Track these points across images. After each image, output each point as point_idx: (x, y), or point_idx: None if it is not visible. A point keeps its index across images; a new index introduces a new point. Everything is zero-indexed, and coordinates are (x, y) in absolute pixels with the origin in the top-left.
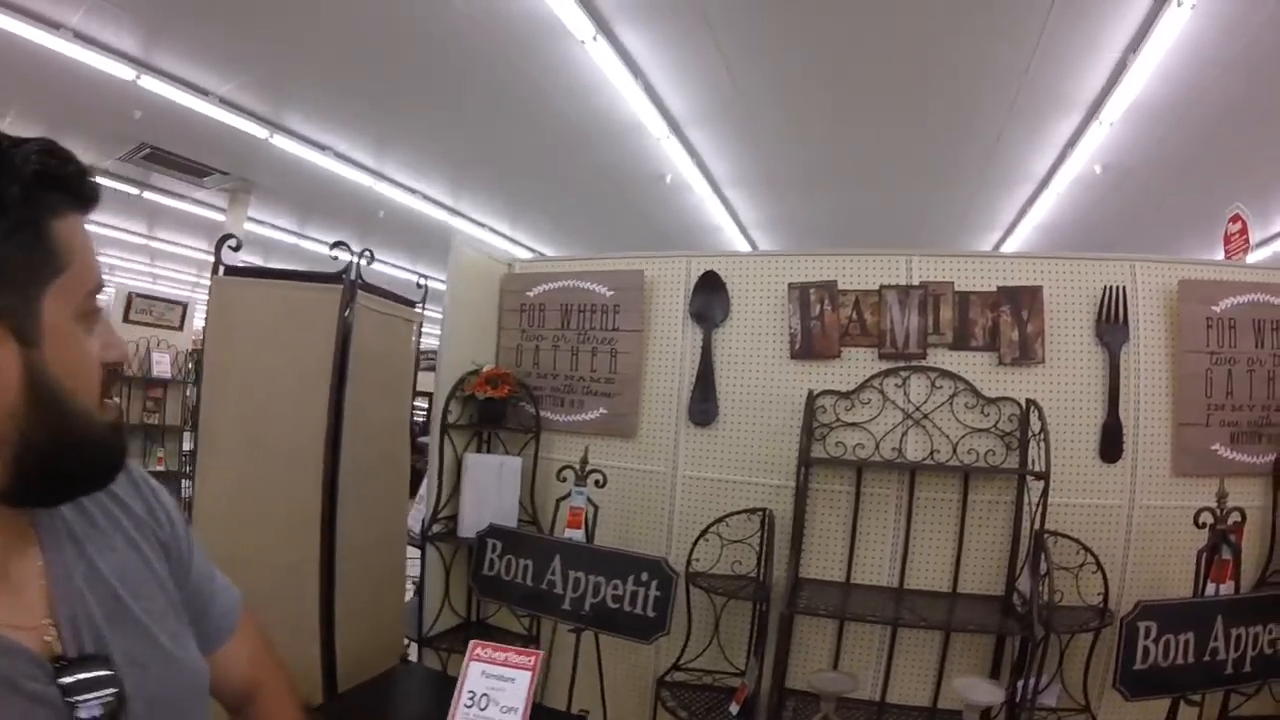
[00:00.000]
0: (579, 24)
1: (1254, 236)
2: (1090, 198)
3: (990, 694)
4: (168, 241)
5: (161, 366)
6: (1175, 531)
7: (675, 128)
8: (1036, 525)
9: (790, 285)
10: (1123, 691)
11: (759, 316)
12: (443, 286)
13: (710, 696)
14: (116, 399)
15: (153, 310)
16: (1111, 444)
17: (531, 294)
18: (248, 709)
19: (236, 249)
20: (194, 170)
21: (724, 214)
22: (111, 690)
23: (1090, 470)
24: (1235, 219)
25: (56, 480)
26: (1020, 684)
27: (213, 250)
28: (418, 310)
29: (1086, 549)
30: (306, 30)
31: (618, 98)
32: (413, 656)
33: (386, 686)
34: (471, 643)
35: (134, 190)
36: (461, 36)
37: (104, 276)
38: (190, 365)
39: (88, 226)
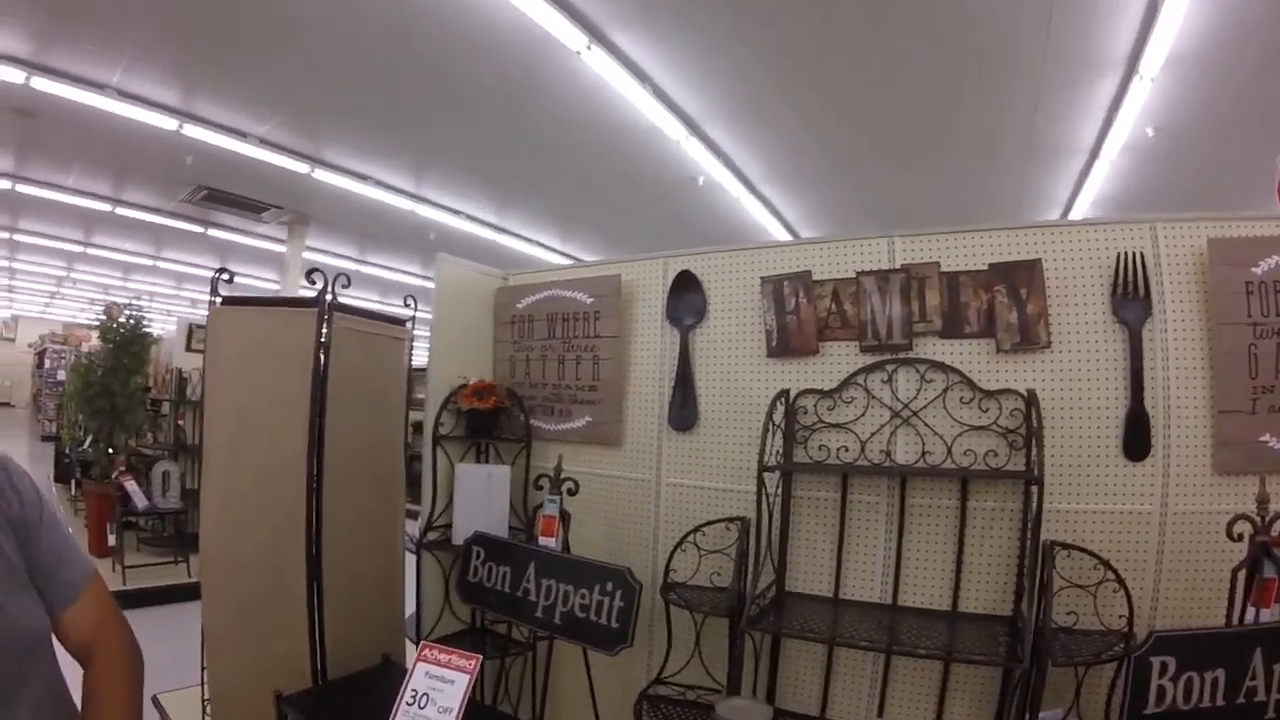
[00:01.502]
0: (571, 36)
1: None
2: (1149, 165)
3: None
4: (240, 274)
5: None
6: (1219, 541)
7: (693, 128)
8: (1034, 536)
9: (763, 279)
10: None
11: (735, 314)
12: None
13: (691, 713)
14: None
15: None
16: (1137, 438)
17: (521, 305)
18: (88, 665)
19: (230, 281)
20: (250, 206)
21: (764, 212)
22: None
23: (1112, 470)
24: None
25: None
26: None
27: (276, 279)
28: (406, 328)
29: (1105, 563)
30: (329, 66)
31: (627, 104)
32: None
33: (362, 683)
34: (421, 643)
35: (199, 229)
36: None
37: (188, 311)
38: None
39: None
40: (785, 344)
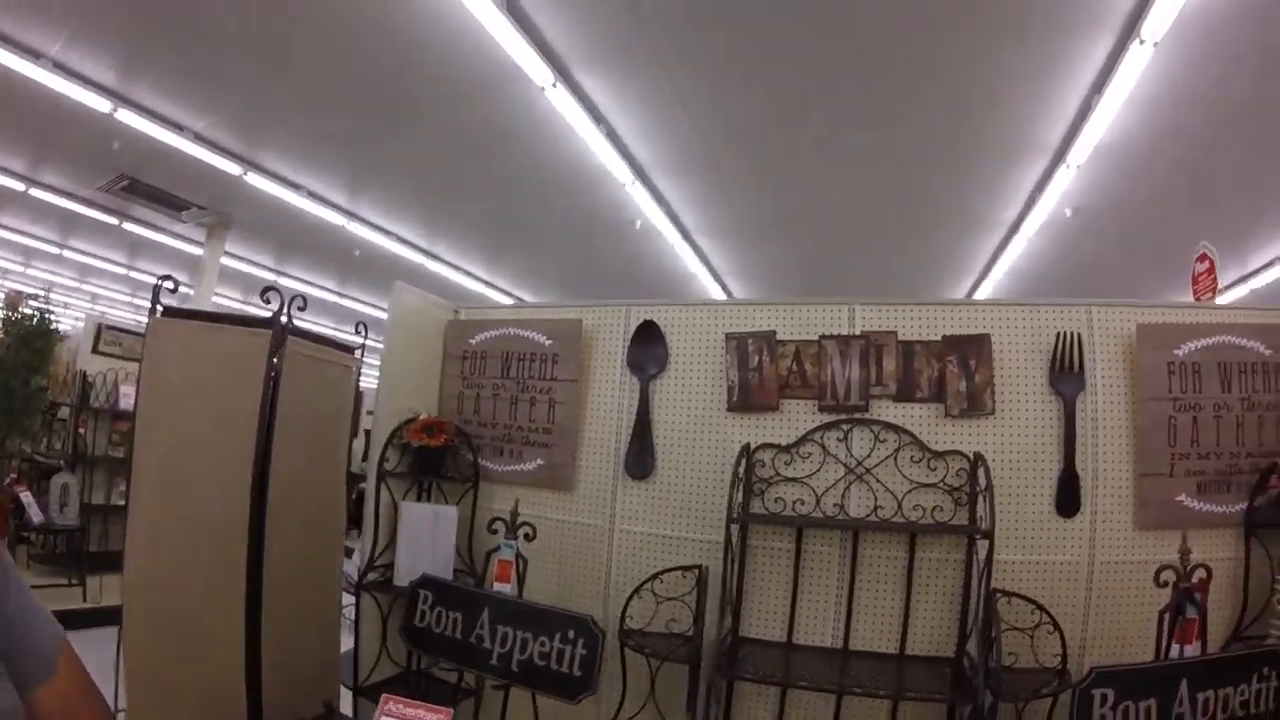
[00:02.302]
0: (539, 71)
1: (1226, 276)
2: (1063, 242)
3: None
4: (147, 273)
5: (128, 399)
6: (1139, 588)
7: (640, 173)
8: (987, 586)
9: (728, 335)
10: None
11: (697, 367)
12: None
13: None
14: None
15: (121, 343)
16: (1068, 497)
17: (474, 341)
18: None
19: (174, 290)
20: (172, 203)
21: (696, 261)
22: None
23: (1046, 525)
24: (1203, 258)
25: None
26: None
27: (189, 283)
28: (355, 355)
29: (1042, 608)
30: (279, 70)
31: (581, 144)
32: (346, 706)
33: None
34: (383, 696)
35: (114, 220)
36: (430, 83)
37: (88, 306)
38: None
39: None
40: (746, 399)
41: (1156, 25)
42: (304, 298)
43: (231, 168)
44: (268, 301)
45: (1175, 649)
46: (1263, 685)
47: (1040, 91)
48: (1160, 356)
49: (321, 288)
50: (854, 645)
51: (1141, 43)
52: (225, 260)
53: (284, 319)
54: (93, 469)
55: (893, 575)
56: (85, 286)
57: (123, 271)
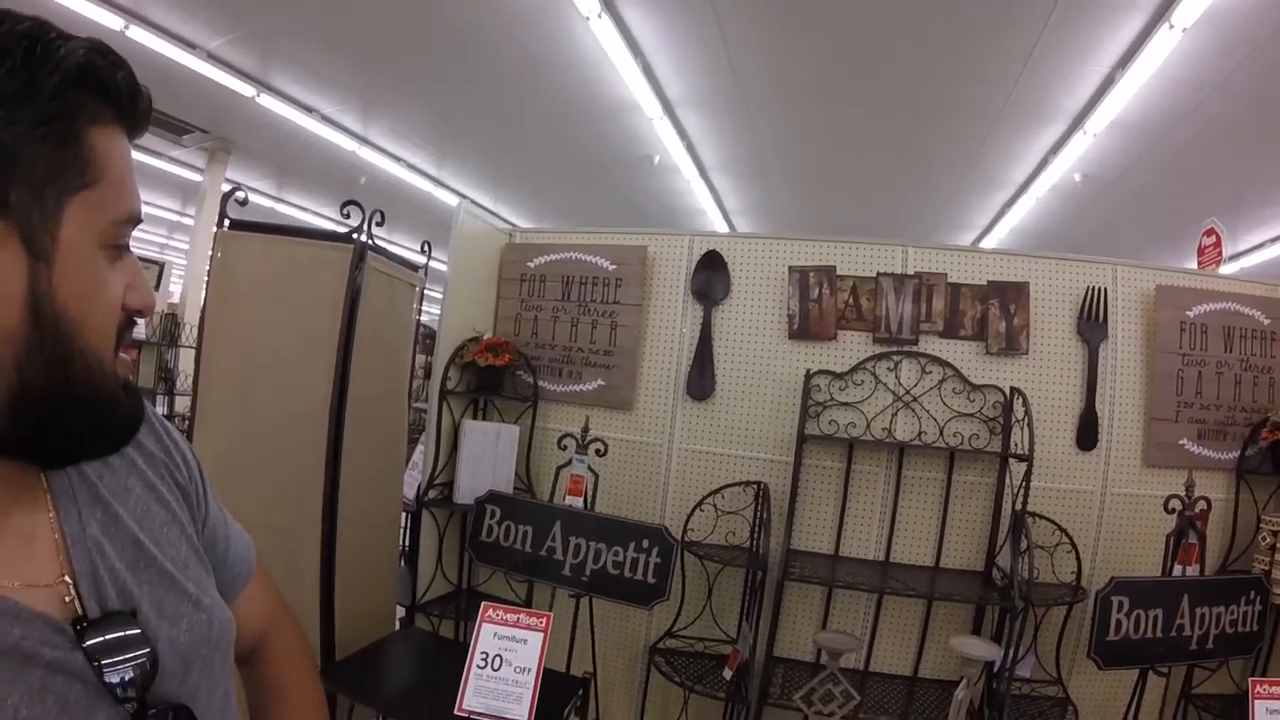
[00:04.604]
0: (585, 1)
1: (1225, 251)
2: (1068, 206)
3: (985, 650)
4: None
5: (138, 328)
6: (1143, 518)
7: (669, 109)
8: (1018, 505)
9: (791, 268)
10: (1097, 660)
11: (759, 297)
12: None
13: (702, 663)
14: (133, 355)
15: None
16: (1088, 433)
17: (533, 264)
18: (255, 658)
19: (244, 203)
20: (174, 127)
21: (709, 199)
22: (143, 650)
23: (1067, 457)
24: (1210, 232)
25: (56, 435)
26: (999, 655)
27: (185, 211)
28: (420, 275)
29: (1062, 530)
30: None
31: (614, 75)
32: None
33: (386, 649)
34: (483, 604)
35: None
36: (469, 7)
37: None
38: (168, 327)
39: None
40: (806, 328)
41: (1188, 13)
42: (382, 213)
43: (244, 88)
44: (347, 216)
45: (1178, 569)
46: (1249, 608)
47: (1067, 63)
48: (1174, 315)
49: (320, 215)
50: (894, 558)
51: (1171, 27)
52: (224, 186)
53: (363, 237)
54: None
55: (932, 496)
56: None
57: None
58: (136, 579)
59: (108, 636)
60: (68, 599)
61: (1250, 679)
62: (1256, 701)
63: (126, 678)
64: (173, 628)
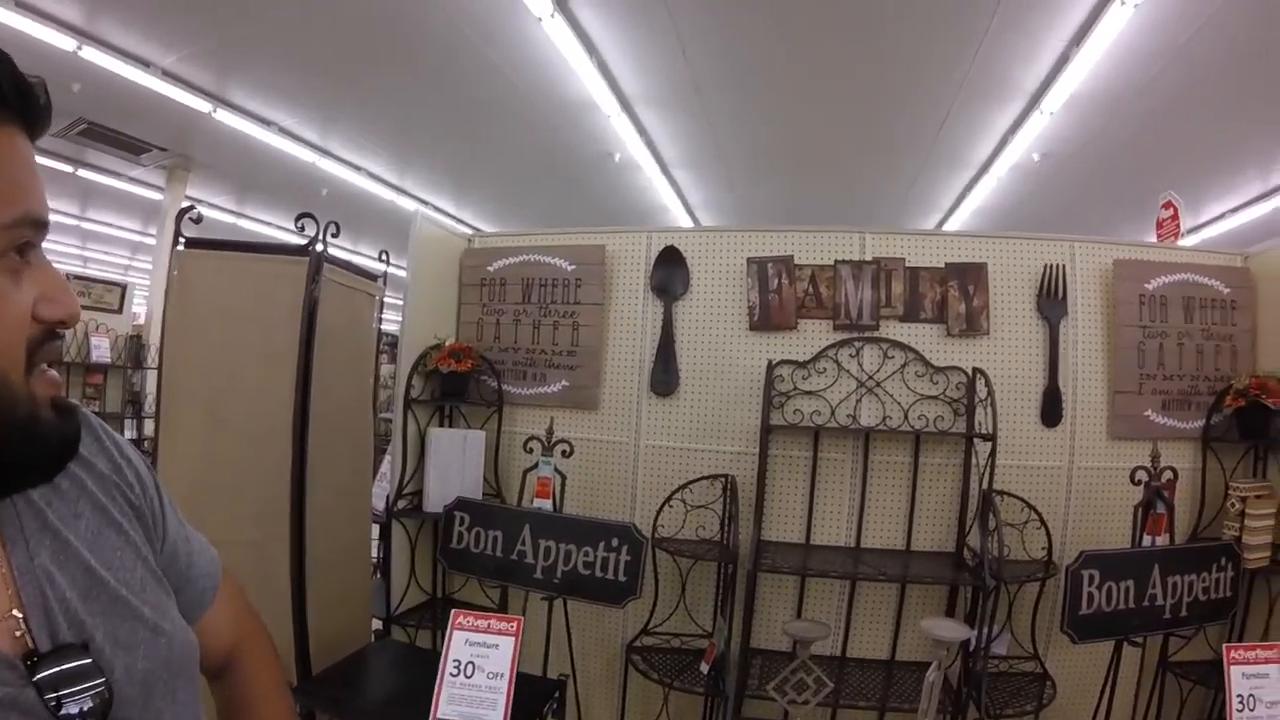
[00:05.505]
0: (537, 1)
1: (1184, 224)
2: (1028, 184)
3: (956, 630)
4: (100, 222)
5: (100, 351)
6: (1111, 490)
7: (626, 106)
8: (985, 485)
9: (749, 260)
10: (1070, 634)
11: (718, 290)
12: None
13: (680, 659)
14: (54, 370)
15: (90, 292)
16: (1052, 409)
17: (492, 268)
18: (227, 673)
19: (198, 221)
20: (132, 147)
21: (671, 195)
22: (98, 681)
23: (1032, 434)
24: (1167, 205)
25: None
26: (974, 634)
27: (147, 231)
28: (379, 284)
29: (1030, 506)
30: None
31: (570, 75)
32: None
33: (361, 663)
34: (454, 612)
35: (68, 168)
36: (413, 6)
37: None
38: (132, 350)
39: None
40: (767, 319)
41: None
42: (337, 224)
43: (201, 105)
44: (302, 228)
45: (1147, 540)
46: (1220, 575)
47: (1022, 39)
48: (1133, 289)
49: (283, 229)
50: (865, 543)
51: (1123, 4)
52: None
53: (319, 247)
54: None
55: (899, 480)
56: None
57: (72, 222)
58: (89, 608)
59: (60, 668)
60: (18, 633)
61: (1225, 645)
62: (1232, 667)
63: (85, 708)
64: (129, 655)
